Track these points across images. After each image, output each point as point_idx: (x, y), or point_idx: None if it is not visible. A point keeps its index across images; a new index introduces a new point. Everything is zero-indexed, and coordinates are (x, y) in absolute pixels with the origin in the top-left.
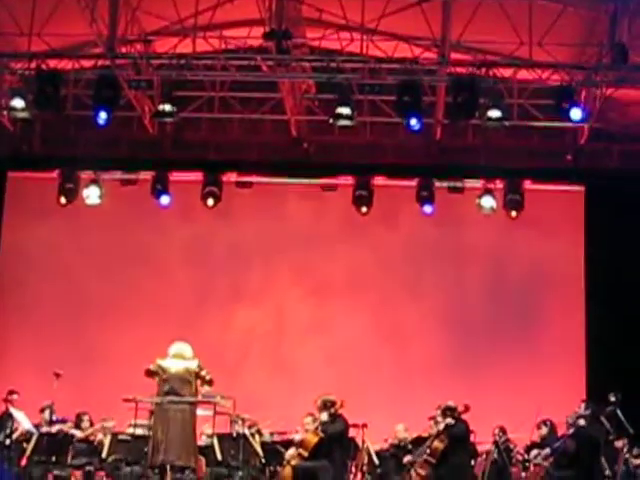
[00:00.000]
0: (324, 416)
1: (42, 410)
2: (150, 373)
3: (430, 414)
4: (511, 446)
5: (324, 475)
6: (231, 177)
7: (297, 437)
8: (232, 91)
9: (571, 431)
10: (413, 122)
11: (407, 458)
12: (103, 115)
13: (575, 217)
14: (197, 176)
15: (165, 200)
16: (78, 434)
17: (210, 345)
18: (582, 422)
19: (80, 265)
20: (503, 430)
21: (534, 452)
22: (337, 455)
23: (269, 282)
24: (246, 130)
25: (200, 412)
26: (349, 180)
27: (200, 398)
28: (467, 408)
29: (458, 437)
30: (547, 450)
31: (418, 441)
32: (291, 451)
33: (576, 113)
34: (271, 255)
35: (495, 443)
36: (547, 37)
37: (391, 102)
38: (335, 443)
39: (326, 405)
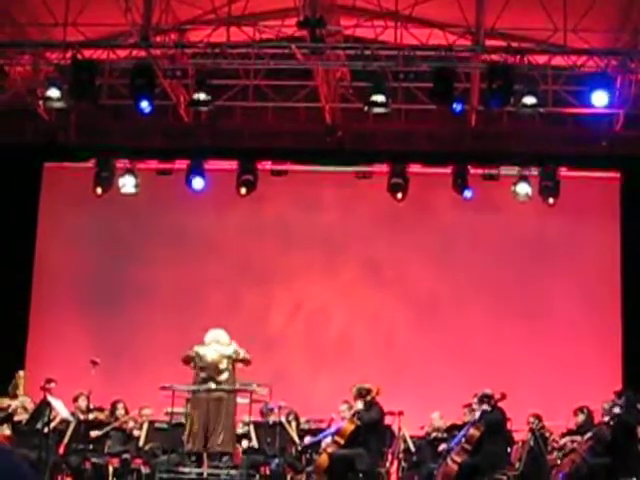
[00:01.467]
0: (359, 404)
1: (75, 399)
2: (187, 360)
3: (466, 402)
4: (547, 433)
5: (360, 462)
6: (266, 165)
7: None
8: (266, 79)
9: (607, 418)
10: (456, 106)
11: (442, 446)
12: (145, 104)
13: (611, 204)
14: (232, 164)
15: (198, 184)
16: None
17: (247, 332)
18: (617, 410)
19: (115, 254)
20: (538, 417)
21: (565, 439)
22: (373, 443)
23: (305, 269)
24: (280, 118)
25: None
26: (384, 168)
27: (237, 386)
28: (504, 396)
29: (494, 424)
30: (584, 436)
31: (453, 429)
32: (328, 439)
33: (600, 98)
34: (306, 243)
35: (531, 430)
36: (581, 23)
37: (426, 89)
38: (371, 431)
39: (361, 393)
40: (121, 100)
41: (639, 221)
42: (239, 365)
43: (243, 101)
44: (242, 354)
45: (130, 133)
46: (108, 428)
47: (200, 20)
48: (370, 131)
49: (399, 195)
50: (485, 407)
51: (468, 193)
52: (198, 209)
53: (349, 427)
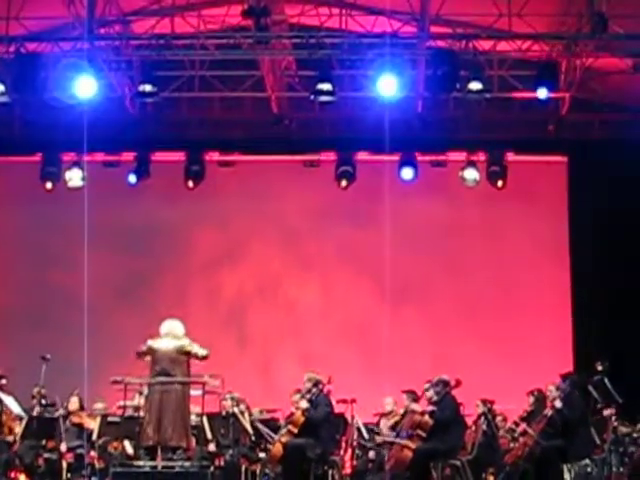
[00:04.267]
0: (303, 404)
1: (33, 396)
2: (140, 355)
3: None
4: (499, 418)
5: (312, 451)
6: (213, 156)
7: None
8: (212, 70)
9: (557, 403)
10: (389, 90)
11: (381, 438)
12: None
13: (558, 188)
14: (179, 156)
15: (132, 179)
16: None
17: (198, 324)
18: (558, 404)
19: (63, 248)
20: (487, 402)
21: (510, 424)
22: (325, 431)
23: (254, 258)
24: (227, 108)
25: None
26: (331, 156)
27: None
28: (459, 382)
29: (447, 410)
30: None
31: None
32: (283, 429)
33: (542, 92)
34: (255, 232)
35: (484, 415)
36: (526, 8)
37: (371, 76)
38: (322, 422)
39: (311, 384)
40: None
41: (586, 204)
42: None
43: (189, 92)
44: (198, 351)
45: (75, 126)
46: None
47: (144, 11)
48: (317, 119)
49: (346, 183)
50: (439, 392)
51: (409, 174)
52: (145, 201)
53: (301, 417)
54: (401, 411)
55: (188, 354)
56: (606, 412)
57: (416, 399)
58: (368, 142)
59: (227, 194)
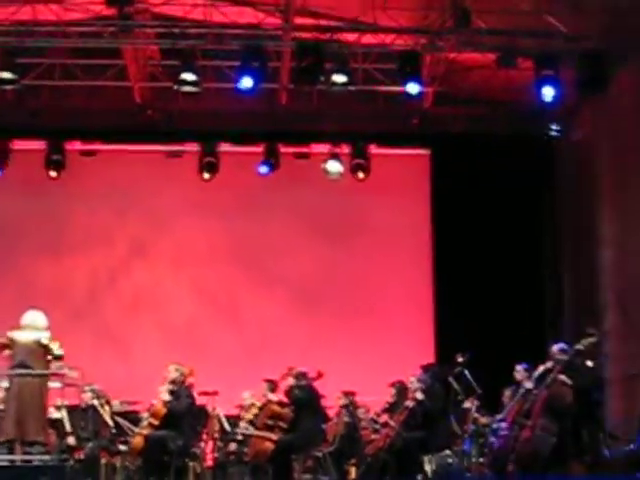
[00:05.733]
0: (165, 395)
1: None
2: (0, 347)
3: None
4: (361, 410)
5: (173, 443)
6: (75, 145)
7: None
8: (74, 58)
9: (418, 394)
10: (247, 83)
11: (242, 430)
12: None
13: (421, 181)
14: (40, 145)
15: None
16: None
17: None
18: (420, 396)
19: None
20: (349, 394)
21: (372, 415)
22: (186, 423)
23: (115, 248)
24: (89, 97)
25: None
26: (195, 147)
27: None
28: (320, 374)
29: (304, 402)
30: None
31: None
32: (144, 421)
33: (413, 88)
34: (117, 222)
35: (346, 406)
36: (390, 1)
37: (236, 68)
38: (184, 414)
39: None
40: None
41: (448, 197)
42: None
43: (50, 80)
44: (55, 350)
45: None
46: None
47: None
48: (181, 110)
49: (209, 175)
50: (298, 384)
51: (264, 169)
52: (5, 190)
53: (162, 409)
54: (257, 403)
55: (47, 347)
56: (466, 403)
57: (274, 389)
58: (232, 133)
59: (90, 184)
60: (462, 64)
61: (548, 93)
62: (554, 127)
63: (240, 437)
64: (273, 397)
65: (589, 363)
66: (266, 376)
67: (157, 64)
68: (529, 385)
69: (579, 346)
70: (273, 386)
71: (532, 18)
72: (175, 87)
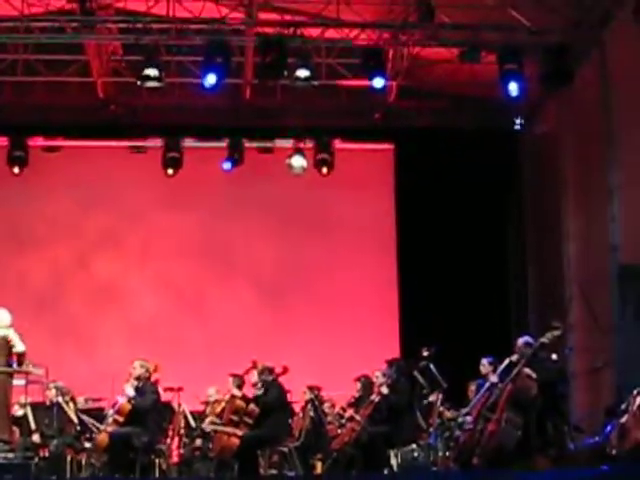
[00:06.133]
0: (130, 391)
1: None
2: None
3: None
4: (327, 404)
5: (137, 440)
6: (37, 141)
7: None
8: (36, 54)
9: (383, 388)
10: (210, 80)
11: (208, 425)
12: None
13: (385, 175)
14: (2, 141)
15: None
16: None
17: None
18: (385, 390)
19: None
20: (314, 389)
21: (338, 410)
22: (151, 420)
23: (75, 245)
24: (52, 93)
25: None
26: (158, 142)
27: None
28: (285, 369)
29: (271, 399)
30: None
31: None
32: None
33: (379, 82)
34: (78, 220)
35: (311, 401)
36: None
37: (199, 63)
38: (149, 410)
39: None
40: None
41: (412, 191)
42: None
43: (12, 76)
44: (15, 342)
45: None
46: None
47: None
48: (144, 105)
49: (173, 170)
50: (265, 380)
51: (227, 165)
52: None
53: (127, 406)
54: (226, 397)
55: (9, 344)
56: (432, 397)
57: (241, 385)
58: (195, 129)
59: (53, 180)
60: (426, 58)
61: (512, 87)
62: (518, 121)
63: (207, 432)
64: (237, 392)
65: (554, 356)
66: (232, 371)
67: (120, 59)
68: (494, 379)
69: (544, 339)
70: (239, 381)
71: (496, 12)
72: (138, 82)
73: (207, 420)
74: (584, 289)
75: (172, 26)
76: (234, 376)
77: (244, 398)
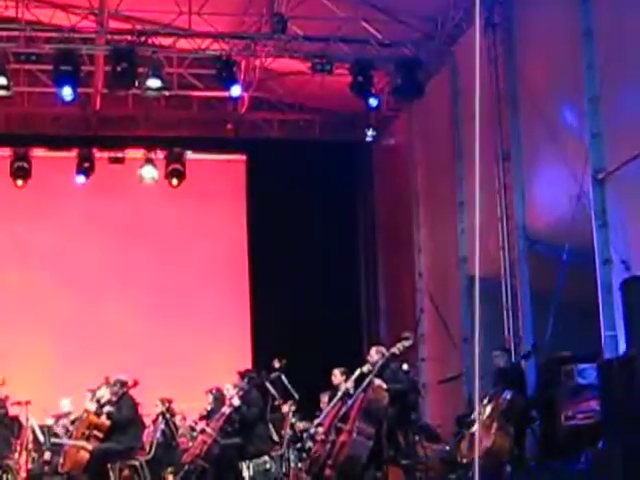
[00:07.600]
0: None
1: None
2: None
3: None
4: (178, 417)
5: None
6: None
7: None
8: None
9: (234, 400)
10: (67, 92)
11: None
12: None
13: (237, 186)
14: None
15: None
16: None
17: None
18: (237, 402)
19: None
20: (165, 401)
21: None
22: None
23: None
24: None
25: None
26: (6, 152)
27: None
28: (136, 382)
29: (122, 412)
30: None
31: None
32: None
33: (236, 90)
34: None
35: (162, 414)
36: (206, 6)
37: (48, 72)
38: None
39: None
40: None
41: (264, 203)
42: None
43: None
44: None
45: None
46: None
47: None
48: None
49: (21, 181)
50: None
51: (81, 179)
52: None
53: None
54: (76, 415)
55: None
56: (284, 408)
57: (99, 399)
58: (44, 138)
59: None
60: (278, 70)
61: (364, 99)
62: (370, 133)
63: (56, 446)
64: (91, 407)
65: (405, 366)
66: (81, 383)
67: None
68: (346, 389)
69: (394, 350)
70: (94, 396)
71: (349, 25)
72: None
73: (57, 431)
74: (435, 300)
75: (21, 34)
76: (91, 391)
77: (97, 413)
